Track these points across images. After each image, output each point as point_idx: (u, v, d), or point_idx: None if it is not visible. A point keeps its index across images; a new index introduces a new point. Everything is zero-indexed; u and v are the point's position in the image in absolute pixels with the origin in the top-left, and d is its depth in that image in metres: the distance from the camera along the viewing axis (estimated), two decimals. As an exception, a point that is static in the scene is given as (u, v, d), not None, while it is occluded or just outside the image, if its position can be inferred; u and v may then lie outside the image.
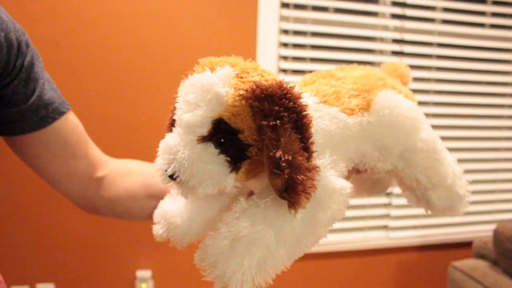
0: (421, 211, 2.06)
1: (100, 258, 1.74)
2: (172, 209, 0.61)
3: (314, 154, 0.46)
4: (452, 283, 1.81)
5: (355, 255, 2.04)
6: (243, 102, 0.45)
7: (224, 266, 0.45)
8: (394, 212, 2.04)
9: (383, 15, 1.95)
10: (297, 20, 1.82)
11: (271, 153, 0.42)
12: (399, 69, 0.69)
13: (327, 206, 0.48)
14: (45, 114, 0.68)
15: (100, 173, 0.76)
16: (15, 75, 0.64)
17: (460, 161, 2.11)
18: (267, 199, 0.47)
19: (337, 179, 0.50)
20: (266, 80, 0.46)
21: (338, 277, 2.05)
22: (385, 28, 1.94)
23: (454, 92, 2.07)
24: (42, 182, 0.75)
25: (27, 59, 0.65)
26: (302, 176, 0.42)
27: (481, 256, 1.84)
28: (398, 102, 0.58)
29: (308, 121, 0.45)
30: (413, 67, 1.98)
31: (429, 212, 0.67)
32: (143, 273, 1.77)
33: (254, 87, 0.44)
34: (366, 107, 0.56)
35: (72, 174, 0.73)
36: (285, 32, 1.82)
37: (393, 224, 2.06)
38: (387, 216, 2.06)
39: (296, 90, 0.45)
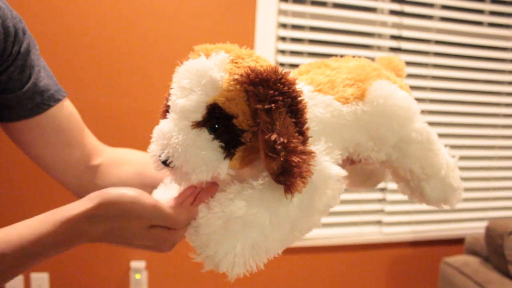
0: (414, 207, 2.06)
1: (94, 249, 1.74)
2: (165, 198, 0.61)
3: (309, 140, 0.46)
4: (443, 279, 1.82)
5: (349, 250, 2.05)
6: (238, 86, 0.45)
7: (216, 246, 0.45)
8: (388, 207, 2.05)
9: (382, 11, 1.95)
10: (296, 14, 1.82)
11: (266, 137, 0.42)
12: (393, 63, 0.70)
13: (323, 191, 0.49)
14: (41, 101, 0.68)
15: (95, 161, 0.76)
16: (11, 62, 0.64)
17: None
18: (263, 181, 0.47)
19: (332, 165, 0.50)
20: (261, 66, 0.46)
21: (331, 271, 2.06)
22: (383, 24, 1.94)
23: (451, 89, 2.07)
24: (37, 172, 0.74)
25: (24, 46, 0.65)
26: (298, 159, 0.42)
27: (473, 252, 1.85)
28: (393, 92, 0.58)
29: (303, 106, 0.45)
30: (410, 63, 1.98)
31: (423, 204, 0.67)
32: (137, 264, 1.77)
33: (249, 71, 0.45)
34: (360, 97, 0.56)
35: (68, 161, 0.73)
36: (283, 26, 1.82)
37: (387, 219, 2.06)
38: (381, 211, 2.07)
39: (291, 76, 0.46)
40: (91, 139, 0.77)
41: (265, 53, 1.77)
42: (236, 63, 0.46)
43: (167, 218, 0.47)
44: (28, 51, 0.66)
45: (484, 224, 1.82)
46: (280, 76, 0.44)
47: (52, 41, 1.56)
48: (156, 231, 0.47)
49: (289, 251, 0.52)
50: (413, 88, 2.00)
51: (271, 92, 0.43)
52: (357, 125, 0.56)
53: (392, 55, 0.71)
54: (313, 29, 1.86)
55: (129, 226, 0.45)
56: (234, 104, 0.45)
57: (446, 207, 0.67)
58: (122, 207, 0.45)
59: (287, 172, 0.42)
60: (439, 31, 1.99)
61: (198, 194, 0.51)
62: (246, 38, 1.75)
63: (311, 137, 0.46)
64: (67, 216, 0.44)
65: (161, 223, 0.47)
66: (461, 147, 2.13)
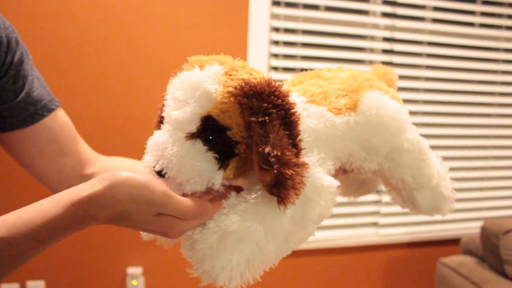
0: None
1: (91, 255, 1.73)
2: None
3: (302, 151, 0.46)
4: (440, 279, 1.83)
5: (345, 252, 2.06)
6: (232, 99, 0.45)
7: (212, 261, 0.45)
8: (384, 209, 2.06)
9: (374, 14, 1.95)
10: (288, 18, 1.82)
11: (260, 149, 0.43)
12: (387, 75, 0.70)
13: (316, 202, 0.49)
14: (34, 111, 0.68)
15: (89, 170, 0.76)
16: (4, 72, 0.64)
17: (449, 159, 2.13)
18: (256, 194, 0.48)
19: (325, 176, 0.50)
20: (255, 78, 0.47)
21: (328, 274, 2.06)
22: (376, 26, 1.95)
23: (444, 90, 2.08)
24: (31, 179, 0.75)
25: (17, 56, 0.65)
26: (291, 171, 0.43)
27: (468, 252, 1.86)
28: (385, 103, 0.59)
29: (296, 119, 0.46)
30: (403, 65, 1.99)
31: (415, 212, 0.68)
32: (134, 270, 1.77)
33: (243, 84, 0.45)
34: (353, 107, 0.57)
35: (61, 171, 0.73)
36: (276, 30, 1.82)
37: (383, 221, 2.07)
38: (377, 213, 2.07)
39: (284, 88, 0.46)
40: (84, 148, 0.77)
41: (258, 56, 1.78)
42: (230, 75, 0.47)
43: (176, 207, 0.46)
44: (21, 61, 0.66)
45: (479, 224, 1.83)
46: (274, 88, 0.44)
47: (47, 49, 1.56)
48: (164, 219, 0.46)
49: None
50: (406, 89, 2.01)
51: (265, 105, 0.43)
52: (349, 135, 0.57)
53: (386, 67, 0.72)
54: (306, 32, 1.86)
55: (137, 211, 0.45)
56: (228, 116, 0.46)
57: (437, 215, 0.68)
58: (131, 190, 0.44)
59: (281, 184, 0.42)
60: (431, 32, 2.01)
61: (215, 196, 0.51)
62: (239, 43, 1.75)
63: (304, 148, 0.47)
64: (76, 198, 0.44)
65: (169, 211, 0.46)
66: (455, 147, 2.14)
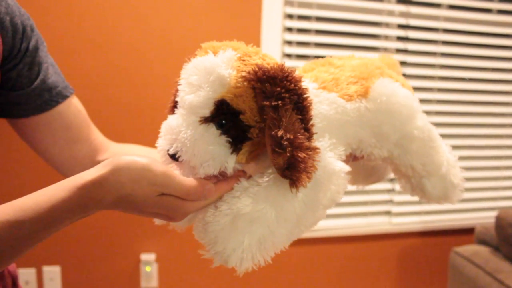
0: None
1: (106, 242, 1.76)
2: None
3: (314, 136, 0.47)
4: (453, 268, 1.82)
5: (358, 240, 2.06)
6: (245, 83, 0.46)
7: (224, 243, 0.46)
8: (397, 198, 2.05)
9: (389, 0, 1.93)
10: (302, 4, 1.81)
11: (273, 132, 0.44)
12: (396, 67, 0.70)
13: (327, 187, 0.50)
14: (49, 98, 0.69)
15: (101, 157, 0.77)
16: (20, 59, 0.65)
17: (464, 147, 2.11)
18: (268, 178, 0.48)
19: (336, 161, 0.51)
20: (268, 63, 0.47)
21: (340, 262, 2.06)
22: (391, 13, 1.92)
23: (459, 78, 2.05)
24: (47, 165, 0.76)
25: (32, 43, 0.66)
26: (304, 154, 0.43)
27: (483, 242, 1.85)
28: (395, 90, 0.59)
29: (308, 103, 0.46)
30: (418, 53, 1.97)
31: (424, 201, 0.68)
32: (148, 257, 1.79)
33: (257, 69, 0.45)
34: (364, 94, 0.58)
35: (74, 157, 0.74)
36: (290, 16, 1.81)
37: (396, 209, 2.06)
38: (390, 201, 2.07)
39: (297, 73, 0.47)
40: (97, 135, 0.78)
41: (271, 43, 1.77)
42: (244, 60, 0.47)
43: (177, 187, 0.47)
44: (36, 48, 0.67)
45: (494, 213, 1.81)
46: (287, 73, 0.45)
47: (60, 37, 1.57)
48: (167, 199, 0.47)
49: (298, 242, 0.53)
50: (420, 78, 1.98)
51: (278, 89, 0.44)
52: (360, 122, 0.57)
53: (393, 58, 0.72)
54: (320, 19, 1.84)
55: (140, 193, 0.46)
56: (241, 101, 0.46)
57: (446, 204, 0.68)
58: (134, 173, 0.46)
59: (293, 167, 0.43)
60: (447, 19, 1.97)
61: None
62: (253, 30, 1.75)
63: (316, 133, 0.47)
64: (81, 182, 0.45)
65: (171, 191, 0.47)
66: (470, 136, 2.11)
